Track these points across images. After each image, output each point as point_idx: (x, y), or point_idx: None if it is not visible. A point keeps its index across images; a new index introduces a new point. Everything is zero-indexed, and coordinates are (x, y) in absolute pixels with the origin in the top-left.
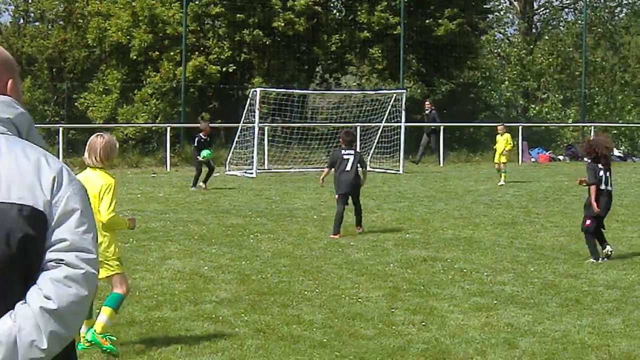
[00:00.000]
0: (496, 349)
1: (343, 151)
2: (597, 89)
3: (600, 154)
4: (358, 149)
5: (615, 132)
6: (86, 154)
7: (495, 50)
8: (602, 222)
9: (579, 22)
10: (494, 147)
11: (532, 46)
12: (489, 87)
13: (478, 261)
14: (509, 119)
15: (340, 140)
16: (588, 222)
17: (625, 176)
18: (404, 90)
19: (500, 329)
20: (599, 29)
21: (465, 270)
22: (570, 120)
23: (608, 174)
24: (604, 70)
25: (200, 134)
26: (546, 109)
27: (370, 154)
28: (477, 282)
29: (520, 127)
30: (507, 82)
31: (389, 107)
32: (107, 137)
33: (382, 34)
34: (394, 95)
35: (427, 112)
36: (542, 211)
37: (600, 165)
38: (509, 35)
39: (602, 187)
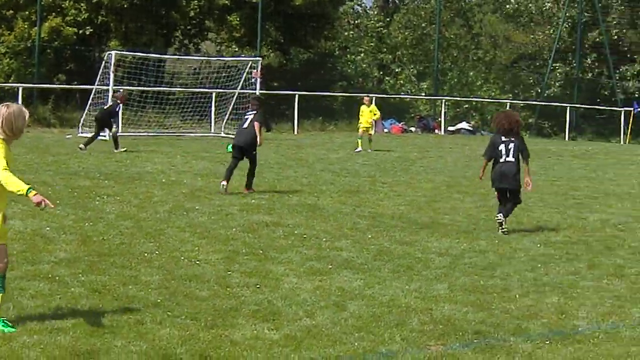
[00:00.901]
0: (325, 310)
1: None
2: (450, 64)
3: (508, 127)
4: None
5: (466, 106)
6: None
7: (353, 22)
8: (504, 192)
9: None
10: (360, 116)
11: (388, 19)
12: (345, 58)
13: (319, 227)
14: (364, 90)
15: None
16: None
17: (473, 149)
18: (259, 58)
19: (331, 292)
20: (454, 6)
21: (305, 236)
22: (424, 93)
23: (511, 145)
24: (457, 46)
25: (118, 101)
26: (400, 82)
27: (225, 120)
28: (315, 247)
29: (373, 98)
30: (363, 54)
31: (244, 74)
32: (12, 107)
33: (240, 1)
34: (250, 62)
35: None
36: (387, 180)
37: (503, 138)
38: (367, 7)
39: (502, 159)
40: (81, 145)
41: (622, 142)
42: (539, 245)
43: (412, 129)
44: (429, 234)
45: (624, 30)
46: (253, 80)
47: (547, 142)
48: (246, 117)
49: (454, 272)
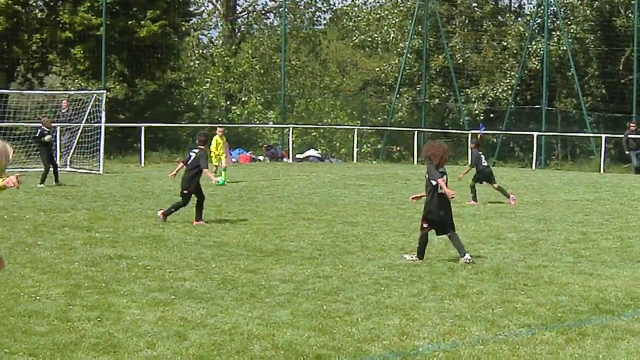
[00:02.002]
0: (166, 341)
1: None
2: (297, 91)
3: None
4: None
5: (314, 133)
6: None
7: (199, 52)
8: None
9: (280, 26)
10: (215, 148)
11: (235, 48)
12: (192, 89)
13: (163, 258)
14: (212, 120)
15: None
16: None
17: (320, 176)
18: (104, 91)
19: (173, 322)
20: (300, 34)
21: (149, 267)
22: (271, 122)
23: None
24: (304, 73)
25: (43, 127)
26: (248, 111)
27: (70, 154)
28: (158, 278)
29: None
30: (209, 84)
31: (89, 108)
32: None
33: (84, 34)
34: (95, 95)
35: None
36: (233, 209)
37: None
38: (212, 38)
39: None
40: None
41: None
42: (383, 269)
43: (261, 157)
44: (274, 261)
45: (468, 54)
46: (64, 110)
47: (396, 167)
48: (190, 153)
49: (297, 298)
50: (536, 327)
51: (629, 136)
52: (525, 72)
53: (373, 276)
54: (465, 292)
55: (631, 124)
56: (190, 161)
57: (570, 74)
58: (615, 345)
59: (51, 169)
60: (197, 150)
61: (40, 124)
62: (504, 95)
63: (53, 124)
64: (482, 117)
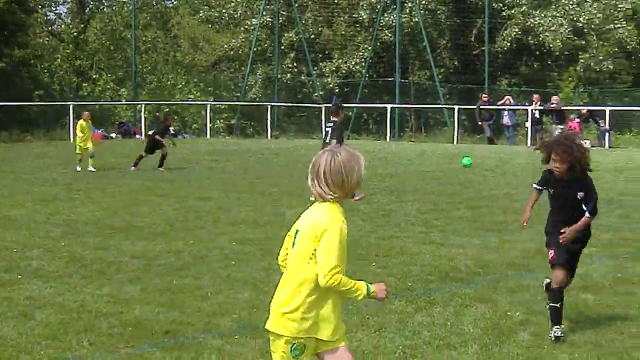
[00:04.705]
0: (11, 321)
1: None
2: (149, 68)
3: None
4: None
5: (167, 109)
6: None
7: (47, 29)
8: None
9: (130, 2)
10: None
11: (84, 25)
12: (42, 66)
13: (10, 238)
14: (63, 98)
15: None
16: None
17: (172, 152)
18: None
19: (19, 302)
20: (150, 10)
21: None
22: (123, 99)
23: None
24: (155, 49)
25: None
26: (99, 88)
27: None
28: (6, 259)
29: (71, 106)
30: (59, 61)
31: None
32: None
33: None
34: None
35: None
36: (83, 187)
37: None
38: (61, 14)
39: None
40: None
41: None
42: (234, 243)
43: (113, 135)
44: (124, 237)
45: (320, 28)
46: None
47: (250, 142)
48: None
49: (147, 274)
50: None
51: (482, 107)
52: (378, 44)
53: (224, 250)
54: None
55: (484, 95)
56: None
57: (422, 46)
58: (463, 312)
59: None
60: None
61: None
62: (358, 68)
63: None
64: (336, 91)
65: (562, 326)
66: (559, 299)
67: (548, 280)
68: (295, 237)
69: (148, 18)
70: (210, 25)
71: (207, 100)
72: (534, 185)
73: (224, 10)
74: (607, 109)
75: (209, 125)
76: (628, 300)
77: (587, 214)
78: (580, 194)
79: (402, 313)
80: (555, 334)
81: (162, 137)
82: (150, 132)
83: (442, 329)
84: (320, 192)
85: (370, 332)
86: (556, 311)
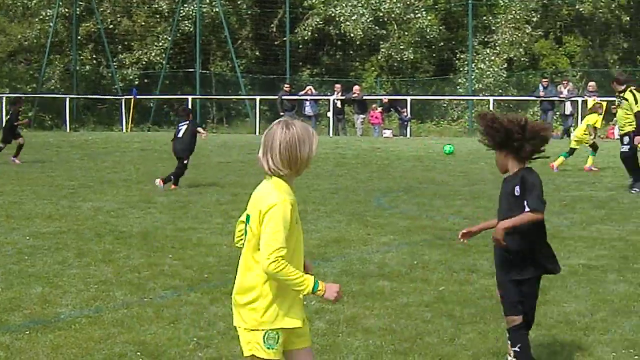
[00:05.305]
0: None
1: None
2: None
3: None
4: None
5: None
6: None
7: None
8: None
9: None
10: None
11: None
12: None
13: None
14: None
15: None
16: None
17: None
18: None
19: None
20: None
21: None
22: None
23: None
24: None
25: None
26: None
27: None
28: None
29: None
30: None
31: None
32: None
33: None
34: None
35: None
36: None
37: None
38: None
39: None
40: None
41: (123, 130)
42: (27, 238)
43: None
44: None
45: (119, 19)
46: None
47: (48, 135)
48: (179, 127)
49: None
50: (182, 288)
51: (283, 97)
52: (179, 35)
53: (17, 245)
54: (112, 257)
55: (285, 85)
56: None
57: (224, 36)
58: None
59: None
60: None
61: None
62: (158, 59)
63: None
64: (136, 83)
65: None
66: None
67: None
68: (246, 224)
69: None
70: (3, 15)
71: (3, 93)
72: None
73: (17, 1)
74: (409, 98)
75: (4, 118)
76: (423, 286)
77: None
78: None
79: (197, 304)
80: None
81: None
82: None
83: None
84: (271, 165)
85: (165, 324)
86: None
